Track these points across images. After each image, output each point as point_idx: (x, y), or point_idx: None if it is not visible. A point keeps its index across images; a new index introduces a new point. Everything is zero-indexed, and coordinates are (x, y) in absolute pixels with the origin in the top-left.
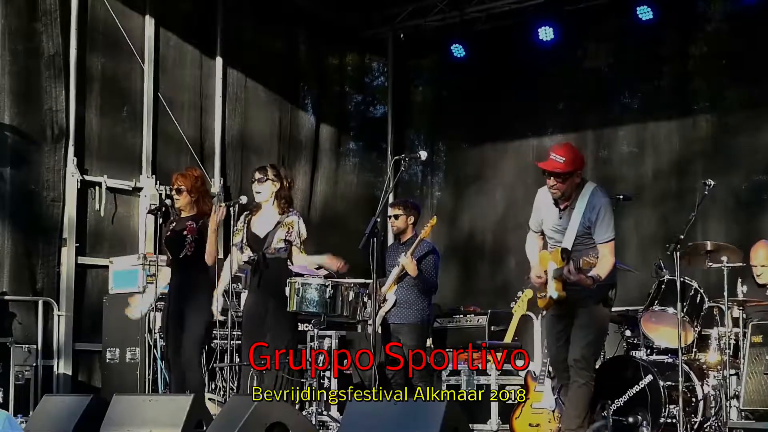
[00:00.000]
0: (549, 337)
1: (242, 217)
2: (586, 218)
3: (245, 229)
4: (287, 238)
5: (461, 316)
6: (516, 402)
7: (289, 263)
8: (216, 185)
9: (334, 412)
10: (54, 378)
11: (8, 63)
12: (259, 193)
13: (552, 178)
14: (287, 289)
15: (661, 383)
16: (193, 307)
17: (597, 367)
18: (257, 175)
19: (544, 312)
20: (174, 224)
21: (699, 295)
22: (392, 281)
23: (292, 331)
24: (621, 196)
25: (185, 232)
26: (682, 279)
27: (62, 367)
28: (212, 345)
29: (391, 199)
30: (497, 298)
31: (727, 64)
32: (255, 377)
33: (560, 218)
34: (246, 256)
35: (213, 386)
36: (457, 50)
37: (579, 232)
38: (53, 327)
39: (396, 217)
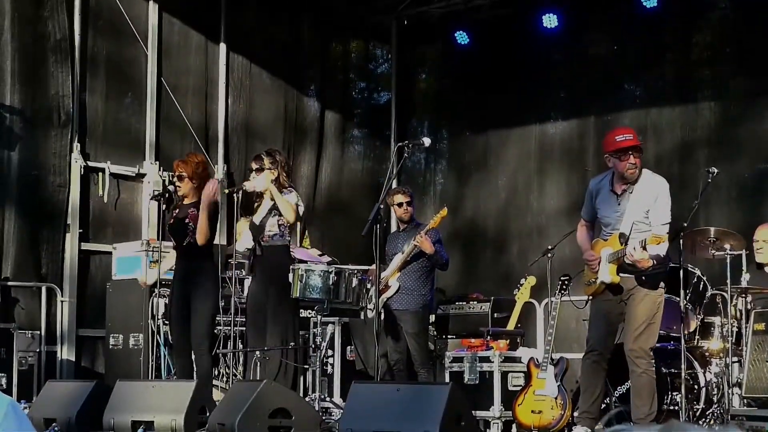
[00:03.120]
0: (597, 320)
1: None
2: (646, 201)
3: (251, 219)
4: (280, 222)
5: (464, 303)
6: (519, 389)
7: (292, 252)
8: (219, 171)
9: (337, 398)
10: (57, 364)
11: (16, 48)
12: (256, 184)
13: (632, 155)
14: (290, 275)
15: (664, 370)
16: (200, 293)
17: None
18: (253, 165)
19: (591, 298)
20: (177, 211)
21: (702, 283)
22: (395, 268)
23: (293, 318)
24: None
25: (187, 220)
26: (685, 267)
27: (66, 353)
28: (216, 331)
29: (394, 186)
30: (500, 286)
31: (731, 53)
32: (258, 363)
33: (619, 204)
34: (249, 243)
35: (217, 372)
36: (461, 37)
37: (638, 218)
38: (57, 313)
39: (408, 203)
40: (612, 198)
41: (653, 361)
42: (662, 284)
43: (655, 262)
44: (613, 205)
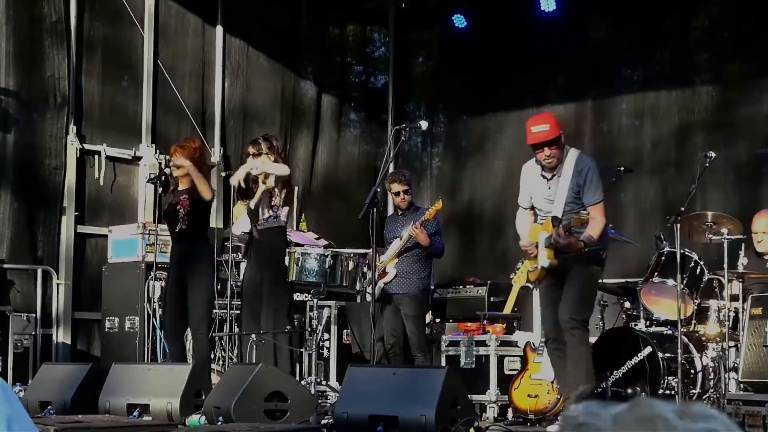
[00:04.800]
0: (545, 308)
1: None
2: (575, 183)
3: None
4: (273, 203)
5: (461, 287)
6: (515, 373)
7: (288, 234)
8: (216, 154)
9: (333, 381)
10: (53, 347)
11: (11, 29)
12: (253, 168)
13: (545, 148)
14: (287, 258)
15: (660, 355)
16: (197, 277)
17: (596, 338)
18: (251, 150)
19: (538, 284)
20: (171, 198)
21: (699, 267)
22: (393, 254)
23: (287, 301)
24: (622, 168)
25: (178, 207)
26: (682, 251)
27: (61, 336)
28: (212, 315)
29: (391, 170)
30: (497, 270)
31: (729, 37)
32: (254, 346)
33: (549, 188)
34: (246, 227)
35: (213, 356)
36: (459, 21)
37: (569, 199)
38: (52, 296)
39: (406, 192)
40: (542, 182)
41: (588, 330)
42: (603, 257)
43: (585, 242)
44: (544, 189)
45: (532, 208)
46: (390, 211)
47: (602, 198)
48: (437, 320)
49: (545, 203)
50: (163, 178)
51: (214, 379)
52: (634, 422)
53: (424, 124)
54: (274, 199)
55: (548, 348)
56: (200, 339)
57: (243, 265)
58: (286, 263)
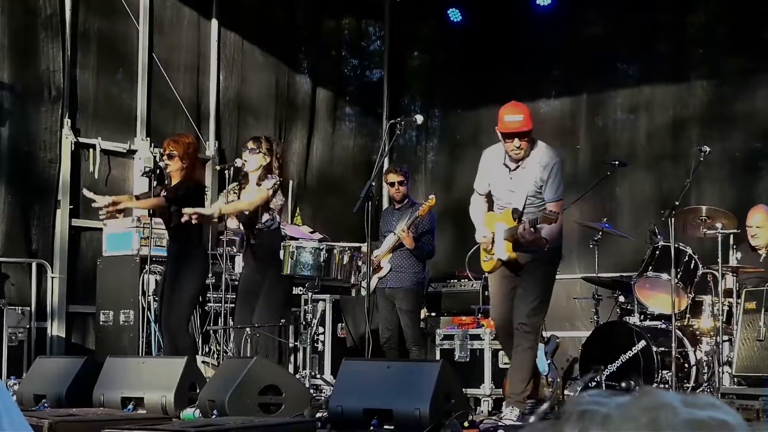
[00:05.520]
0: (496, 298)
1: (233, 186)
2: (539, 177)
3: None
4: (272, 212)
5: (455, 280)
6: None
7: (283, 229)
8: (211, 148)
9: (327, 375)
10: (47, 340)
11: (6, 22)
12: (247, 162)
13: (516, 139)
14: (282, 252)
15: (654, 349)
16: (186, 271)
17: (590, 332)
18: (250, 145)
19: (487, 274)
20: (164, 193)
21: (693, 262)
22: (387, 249)
23: (285, 297)
24: (617, 162)
25: None
26: (676, 245)
27: (56, 329)
28: (206, 308)
29: (386, 164)
30: None
31: (724, 32)
32: (249, 340)
33: (511, 179)
34: (233, 224)
35: (207, 349)
36: (454, 14)
37: (531, 192)
38: (47, 289)
39: (401, 183)
40: (504, 171)
41: (538, 338)
42: (560, 255)
43: (547, 240)
44: (505, 178)
45: (487, 195)
46: (386, 204)
47: (563, 196)
48: (432, 314)
49: (505, 193)
50: (158, 171)
51: (207, 372)
52: (640, 410)
53: (419, 118)
54: (273, 203)
55: (499, 338)
56: (181, 336)
57: (237, 260)
58: (281, 257)
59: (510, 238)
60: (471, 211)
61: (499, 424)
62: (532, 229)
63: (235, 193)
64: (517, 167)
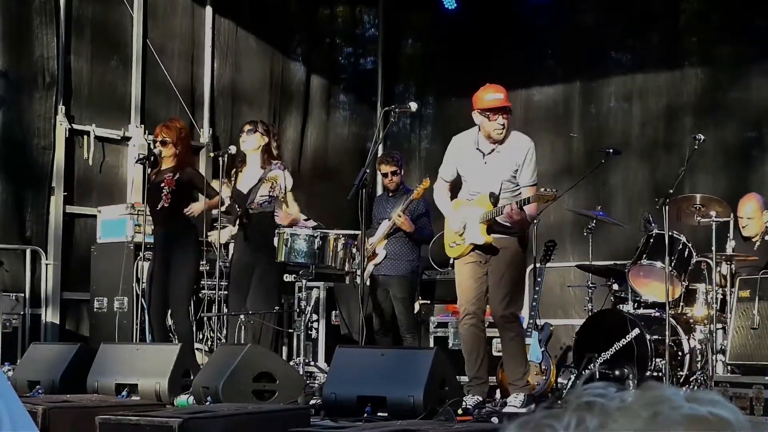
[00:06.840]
0: (465, 283)
1: (231, 173)
2: (514, 161)
3: (233, 185)
4: (271, 193)
5: (450, 268)
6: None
7: (276, 216)
8: (205, 135)
9: (321, 362)
10: (42, 326)
11: (0, 9)
12: (245, 142)
13: (500, 116)
14: (276, 239)
15: (648, 337)
16: (180, 256)
17: (583, 320)
18: (247, 127)
19: (453, 260)
20: (155, 176)
21: (687, 250)
22: (382, 236)
23: (278, 283)
24: (610, 150)
25: (163, 184)
26: (670, 233)
27: (50, 316)
28: (200, 295)
29: (380, 151)
30: None
31: (718, 20)
32: (242, 327)
33: (485, 163)
34: (224, 207)
35: (201, 336)
36: (449, 2)
37: (505, 177)
38: (41, 275)
39: (394, 173)
40: (478, 156)
41: (520, 319)
42: (528, 241)
43: (529, 222)
44: (479, 163)
45: (452, 182)
46: (380, 191)
47: (537, 181)
48: (426, 302)
49: (478, 179)
50: (152, 158)
51: (199, 359)
52: (641, 405)
53: (413, 106)
54: (273, 190)
55: (465, 323)
56: (180, 321)
57: (232, 246)
58: (275, 244)
59: (486, 222)
60: (436, 198)
61: (503, 411)
62: (519, 209)
63: (233, 178)
64: (492, 151)
